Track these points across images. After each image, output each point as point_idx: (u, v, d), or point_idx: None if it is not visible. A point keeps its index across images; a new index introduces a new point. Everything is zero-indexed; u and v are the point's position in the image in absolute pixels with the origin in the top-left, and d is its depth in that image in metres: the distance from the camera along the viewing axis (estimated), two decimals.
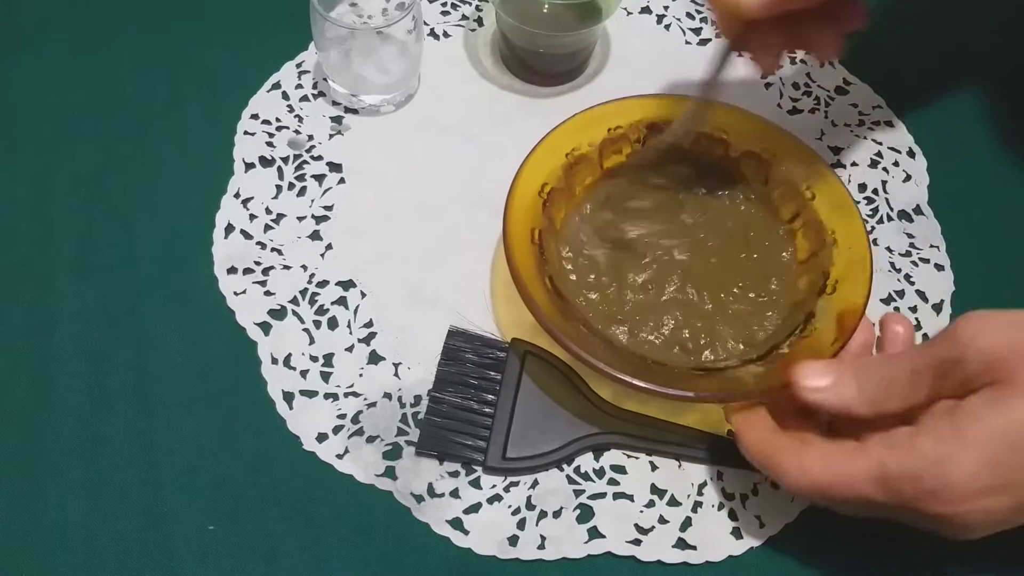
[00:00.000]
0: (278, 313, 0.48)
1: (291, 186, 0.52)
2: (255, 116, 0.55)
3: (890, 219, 0.53)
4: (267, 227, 0.51)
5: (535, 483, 0.44)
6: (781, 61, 0.43)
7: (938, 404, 0.37)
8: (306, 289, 0.49)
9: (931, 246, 0.52)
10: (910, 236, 0.53)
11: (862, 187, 0.54)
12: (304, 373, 0.46)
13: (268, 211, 0.51)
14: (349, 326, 0.48)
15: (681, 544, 0.43)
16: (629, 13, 0.61)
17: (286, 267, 0.49)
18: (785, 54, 0.43)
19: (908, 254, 0.52)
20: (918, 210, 0.54)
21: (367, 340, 0.47)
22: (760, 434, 0.40)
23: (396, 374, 0.47)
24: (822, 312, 0.44)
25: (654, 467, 0.45)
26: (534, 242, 0.45)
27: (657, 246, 0.48)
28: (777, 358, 0.43)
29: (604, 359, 0.41)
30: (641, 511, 0.43)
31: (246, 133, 0.54)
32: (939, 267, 0.52)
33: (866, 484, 0.36)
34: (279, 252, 0.50)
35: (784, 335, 0.45)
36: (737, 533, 0.43)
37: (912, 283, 0.51)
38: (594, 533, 0.43)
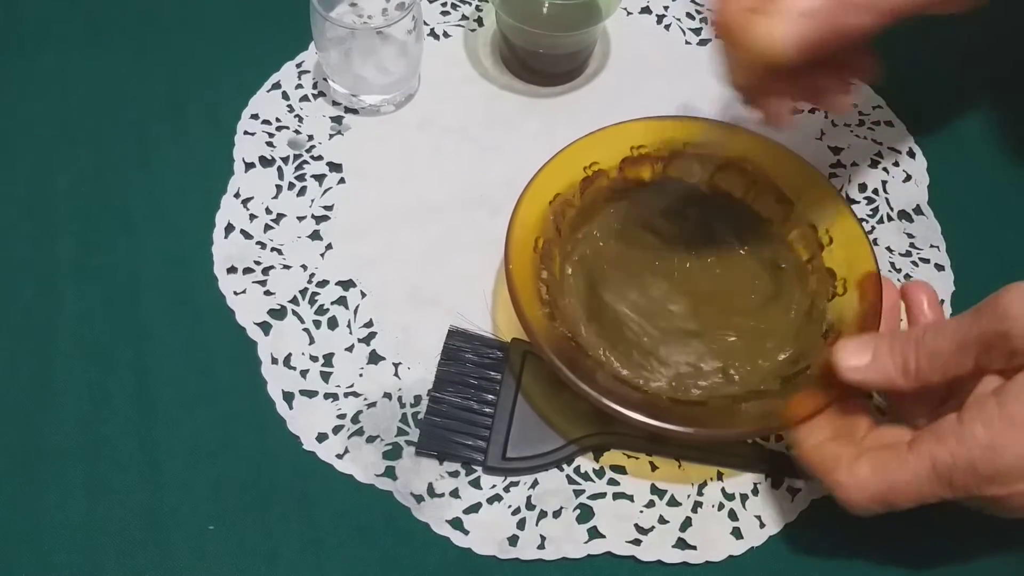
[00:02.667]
0: (278, 313, 0.48)
1: (291, 186, 0.52)
2: (255, 116, 0.55)
3: (890, 219, 0.53)
4: (267, 227, 0.51)
5: (535, 483, 0.44)
6: (792, 116, 0.42)
7: (983, 383, 0.37)
8: (306, 289, 0.49)
9: (931, 246, 0.52)
10: (910, 236, 0.53)
11: (862, 187, 0.54)
12: (304, 373, 0.46)
13: (268, 211, 0.51)
14: (349, 326, 0.48)
15: (681, 544, 0.43)
16: (629, 13, 0.61)
17: (286, 267, 0.49)
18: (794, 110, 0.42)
19: (908, 254, 0.52)
20: (918, 210, 0.54)
21: (367, 340, 0.47)
22: (818, 442, 0.39)
23: (396, 374, 0.47)
24: (839, 315, 0.44)
25: (654, 467, 0.45)
26: (543, 299, 0.44)
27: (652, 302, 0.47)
28: (803, 378, 0.42)
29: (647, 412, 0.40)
30: (641, 511, 0.43)
31: (246, 133, 0.54)
32: (939, 267, 0.52)
33: (923, 484, 0.36)
34: (279, 252, 0.50)
35: (809, 343, 0.44)
36: (737, 533, 0.43)
37: None
38: (594, 533, 0.43)
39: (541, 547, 0.42)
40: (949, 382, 0.38)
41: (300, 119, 0.55)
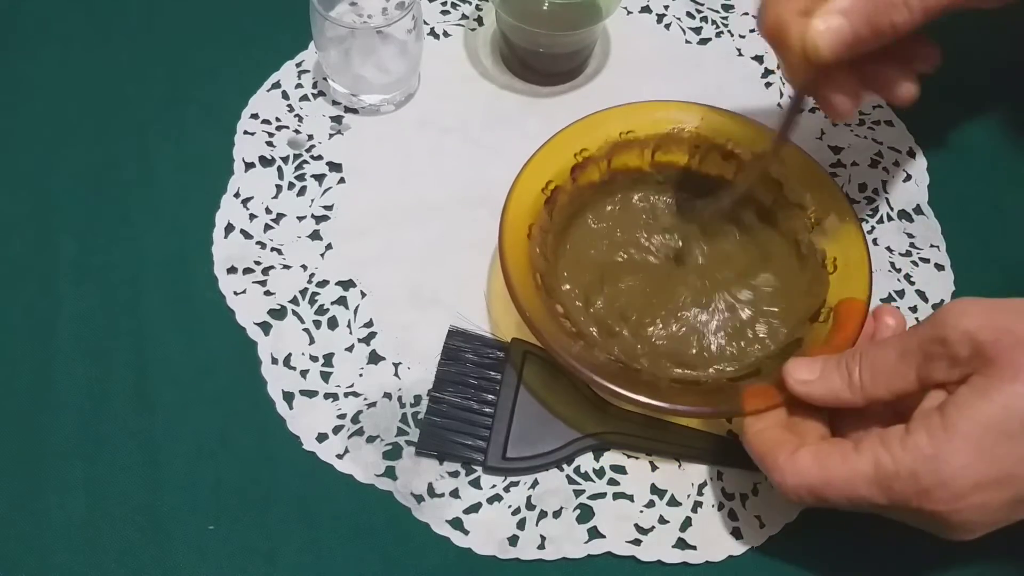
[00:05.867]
0: (278, 313, 0.48)
1: (291, 186, 0.52)
2: (255, 116, 0.55)
3: (890, 219, 0.53)
4: (267, 227, 0.51)
5: (535, 483, 0.44)
6: (857, 106, 0.42)
7: (929, 397, 0.37)
8: (306, 289, 0.49)
9: (931, 246, 0.52)
10: (910, 236, 0.53)
11: (862, 187, 0.54)
12: (304, 373, 0.46)
13: (268, 211, 0.51)
14: (349, 326, 0.48)
15: (681, 544, 0.43)
16: (629, 13, 0.61)
17: (286, 267, 0.49)
18: (861, 98, 0.42)
19: (908, 254, 0.52)
20: (918, 210, 0.54)
21: (367, 340, 0.47)
22: (764, 428, 0.40)
23: (396, 374, 0.47)
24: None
25: (654, 467, 0.45)
26: (538, 287, 0.44)
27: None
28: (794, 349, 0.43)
29: (625, 385, 0.41)
30: (641, 511, 0.43)
31: (246, 133, 0.54)
32: (939, 267, 0.52)
33: (861, 484, 0.36)
34: (279, 252, 0.50)
35: (796, 323, 0.45)
36: (737, 533, 0.43)
37: (912, 283, 0.51)
38: (594, 533, 0.43)
39: (541, 547, 0.42)
40: (896, 401, 0.38)
41: (300, 119, 0.55)
